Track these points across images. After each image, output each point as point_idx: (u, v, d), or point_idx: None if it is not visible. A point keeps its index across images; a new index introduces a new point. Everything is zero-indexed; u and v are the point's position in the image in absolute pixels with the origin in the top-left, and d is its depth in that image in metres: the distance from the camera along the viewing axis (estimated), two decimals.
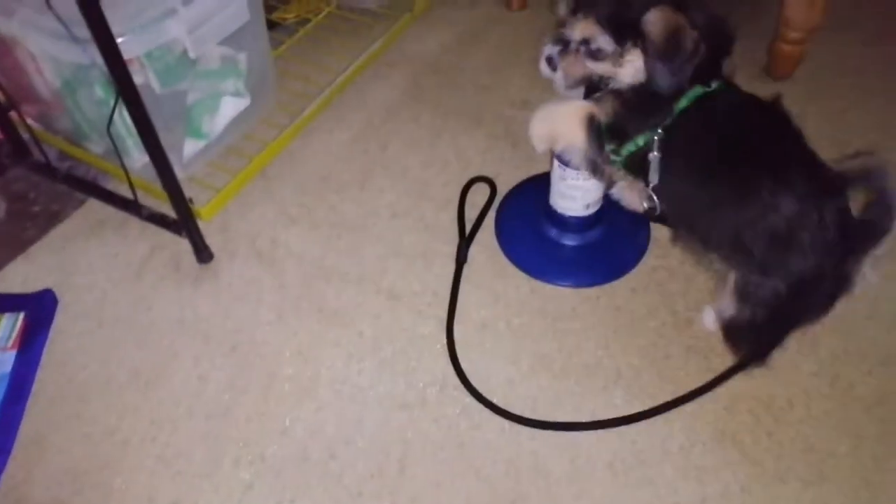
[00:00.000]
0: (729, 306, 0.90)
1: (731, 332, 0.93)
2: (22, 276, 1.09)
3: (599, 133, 0.90)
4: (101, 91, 1.06)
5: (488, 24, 1.50)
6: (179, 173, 1.06)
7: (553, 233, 1.11)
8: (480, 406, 0.94)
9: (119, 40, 0.86)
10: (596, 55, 0.86)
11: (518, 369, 0.98)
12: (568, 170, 1.00)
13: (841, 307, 1.02)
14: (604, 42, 0.84)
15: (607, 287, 1.07)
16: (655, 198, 0.90)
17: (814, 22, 1.23)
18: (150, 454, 0.91)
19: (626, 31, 0.83)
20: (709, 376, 0.96)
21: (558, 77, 0.90)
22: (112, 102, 0.95)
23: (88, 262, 1.11)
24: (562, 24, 0.88)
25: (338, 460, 0.90)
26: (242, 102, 1.20)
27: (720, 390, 0.95)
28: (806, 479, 0.87)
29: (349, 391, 0.96)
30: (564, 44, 0.88)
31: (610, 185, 1.02)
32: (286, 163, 1.25)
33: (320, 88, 1.32)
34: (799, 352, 0.99)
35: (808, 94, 1.32)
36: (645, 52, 0.83)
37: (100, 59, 0.85)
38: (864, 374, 0.97)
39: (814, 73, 1.36)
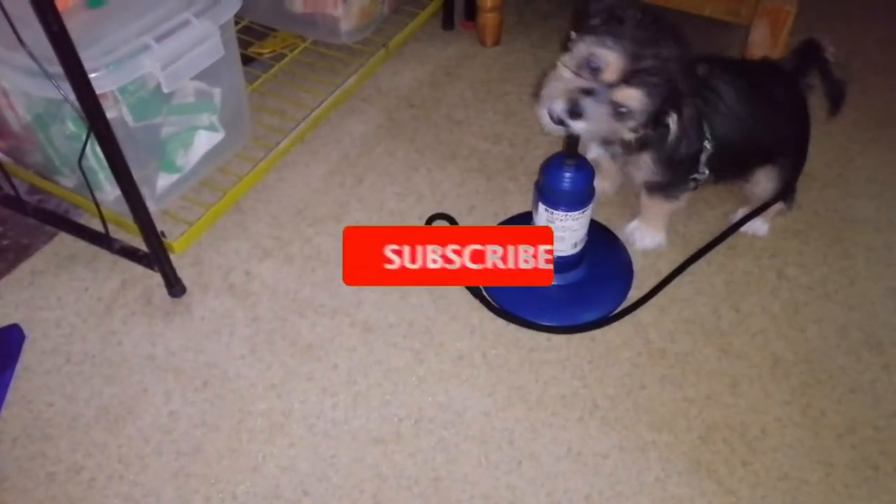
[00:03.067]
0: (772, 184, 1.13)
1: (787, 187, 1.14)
2: None
3: None
4: (73, 125, 1.05)
5: (462, 60, 1.52)
6: (152, 207, 1.05)
7: None
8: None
9: (92, 76, 0.86)
10: (623, 117, 0.88)
11: (494, 401, 0.98)
12: (556, 212, 1.00)
13: (812, 337, 1.04)
14: (642, 111, 0.88)
15: None
16: (707, 171, 1.03)
17: (776, 54, 1.27)
18: (118, 493, 0.89)
19: (668, 104, 0.88)
20: (683, 406, 0.97)
21: (580, 126, 0.88)
22: (84, 136, 0.95)
23: (58, 296, 1.09)
24: (577, 80, 0.88)
25: (311, 497, 0.88)
26: (217, 136, 1.20)
27: (695, 420, 0.95)
28: None
29: (323, 426, 0.95)
30: (588, 93, 0.87)
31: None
32: (261, 196, 1.25)
33: (296, 123, 1.33)
34: (771, 381, 1.00)
35: None
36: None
37: (72, 95, 0.85)
38: (835, 403, 0.98)
39: None
